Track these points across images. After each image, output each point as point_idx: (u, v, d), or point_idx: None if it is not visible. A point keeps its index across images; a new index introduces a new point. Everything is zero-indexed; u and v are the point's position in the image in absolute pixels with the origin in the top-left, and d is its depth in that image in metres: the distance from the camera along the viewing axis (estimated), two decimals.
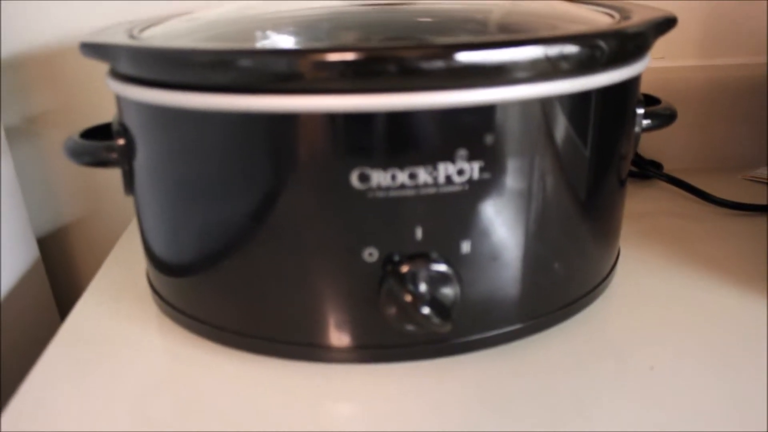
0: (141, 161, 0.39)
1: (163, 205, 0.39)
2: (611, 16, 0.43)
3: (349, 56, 0.30)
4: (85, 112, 0.65)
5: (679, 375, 0.36)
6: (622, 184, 0.43)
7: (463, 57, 0.30)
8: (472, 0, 0.47)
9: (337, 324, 0.36)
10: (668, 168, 0.65)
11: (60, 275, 0.70)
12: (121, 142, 0.39)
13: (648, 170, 0.62)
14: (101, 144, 0.40)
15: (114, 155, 0.40)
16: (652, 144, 0.66)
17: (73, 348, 0.41)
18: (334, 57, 0.30)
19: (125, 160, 0.40)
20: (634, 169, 0.64)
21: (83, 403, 0.36)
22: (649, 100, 0.46)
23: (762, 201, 0.58)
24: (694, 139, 0.67)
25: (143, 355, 0.40)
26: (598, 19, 0.42)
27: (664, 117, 0.45)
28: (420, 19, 0.41)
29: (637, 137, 0.43)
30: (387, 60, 0.30)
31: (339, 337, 0.37)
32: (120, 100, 0.39)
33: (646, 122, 0.44)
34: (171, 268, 0.41)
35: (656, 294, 0.45)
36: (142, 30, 0.42)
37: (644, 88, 0.57)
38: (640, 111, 0.43)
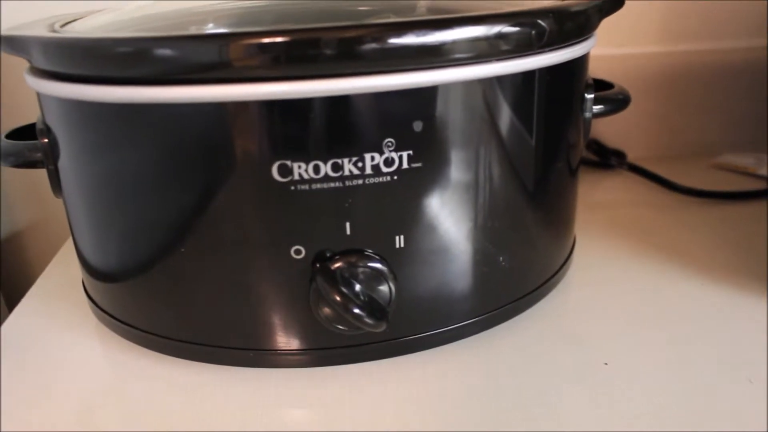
0: (65, 161, 0.37)
1: (89, 207, 0.37)
2: None
3: (270, 40, 0.28)
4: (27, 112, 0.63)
5: (633, 371, 0.35)
6: (573, 172, 0.41)
7: (397, 38, 0.29)
8: None
9: (272, 327, 0.35)
10: (632, 156, 0.63)
11: (13, 279, 0.68)
12: (44, 141, 0.37)
13: (611, 159, 0.61)
14: (25, 144, 0.38)
15: (39, 155, 0.38)
16: (615, 133, 0.64)
17: (7, 357, 0.39)
18: (255, 40, 0.28)
19: (50, 159, 0.38)
20: (596, 158, 0.63)
21: (18, 411, 0.34)
22: (602, 85, 0.45)
23: (726, 188, 0.56)
24: (658, 126, 0.66)
25: (80, 365, 0.38)
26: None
27: (616, 102, 0.44)
28: (354, 7, 0.39)
29: (588, 123, 0.42)
30: (311, 42, 0.28)
31: (276, 341, 0.35)
32: (41, 98, 0.37)
33: (597, 107, 0.42)
34: (101, 273, 0.39)
35: (614, 286, 0.43)
36: (65, 24, 0.40)
37: (605, 76, 0.56)
38: (590, 96, 0.41)
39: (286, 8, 0.39)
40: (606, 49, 0.60)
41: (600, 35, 0.41)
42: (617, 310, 0.41)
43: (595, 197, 0.58)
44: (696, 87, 0.65)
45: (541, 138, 0.37)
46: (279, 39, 0.28)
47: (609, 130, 0.64)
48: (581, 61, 0.38)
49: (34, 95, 0.37)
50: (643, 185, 0.60)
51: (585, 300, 0.42)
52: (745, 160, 0.62)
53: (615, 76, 0.59)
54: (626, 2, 0.55)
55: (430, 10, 0.37)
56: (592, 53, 0.41)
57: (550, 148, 0.38)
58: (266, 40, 0.28)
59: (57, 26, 0.39)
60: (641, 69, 0.64)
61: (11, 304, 0.65)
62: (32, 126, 0.41)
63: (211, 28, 0.37)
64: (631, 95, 0.44)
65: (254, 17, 0.38)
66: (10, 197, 0.66)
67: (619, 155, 0.62)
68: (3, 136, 0.40)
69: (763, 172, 0.60)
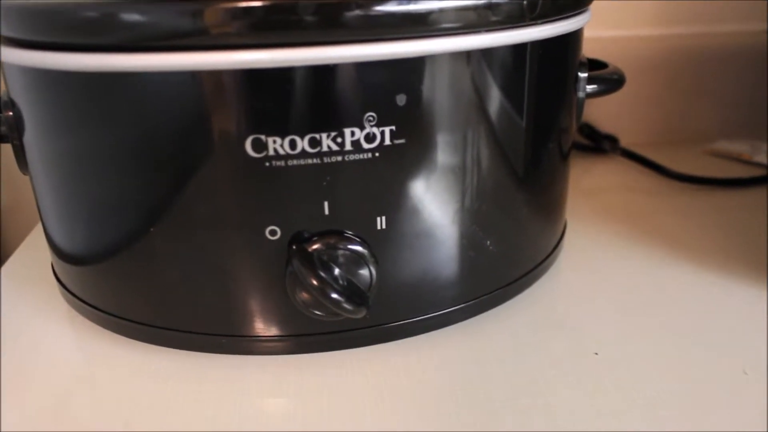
0: (30, 135, 0.35)
1: (55, 184, 0.35)
2: None
3: (246, 4, 0.26)
4: None
5: (624, 360, 0.34)
6: (564, 153, 0.40)
7: (381, 4, 0.27)
8: None
9: (247, 312, 0.33)
10: (625, 142, 0.62)
11: None
12: (8, 113, 0.35)
13: (604, 144, 0.59)
14: None
15: (3, 128, 0.36)
16: (608, 117, 0.62)
17: None
18: (227, 4, 0.26)
19: (15, 134, 0.36)
20: (588, 143, 0.61)
21: None
22: (595, 65, 0.43)
23: (721, 174, 0.55)
24: (651, 111, 0.65)
25: (51, 352, 0.36)
26: None
27: (610, 82, 0.42)
28: None
29: (581, 103, 0.40)
30: (289, 8, 0.26)
31: (251, 326, 0.33)
32: (4, 67, 0.35)
33: (591, 87, 0.40)
34: (70, 255, 0.37)
35: (606, 272, 0.42)
36: None
37: (600, 58, 0.54)
38: (583, 75, 0.39)
39: None
40: (600, 30, 0.58)
41: (594, 17, 0.39)
42: (608, 297, 0.39)
43: (588, 182, 0.56)
44: (691, 71, 0.63)
45: (532, 116, 0.35)
46: (255, 3, 0.26)
47: (602, 114, 0.62)
48: (575, 37, 0.36)
49: None
50: (635, 171, 0.58)
51: (575, 286, 0.40)
52: (740, 147, 0.61)
53: (608, 58, 0.57)
54: None
55: None
56: (586, 34, 0.39)
57: (542, 127, 0.36)
58: (242, 5, 0.26)
59: None
60: (635, 52, 0.62)
61: None
62: None
63: None
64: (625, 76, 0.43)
65: None
66: None
67: (612, 140, 0.60)
68: None
69: (758, 158, 0.59)
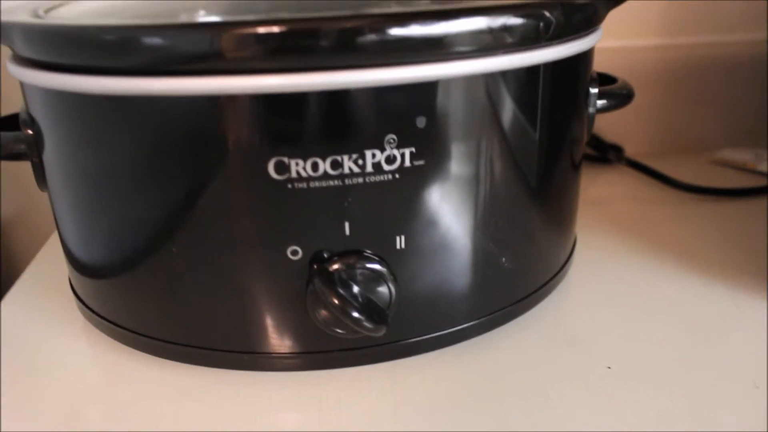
0: (50, 153, 0.35)
1: (75, 201, 0.35)
2: None
3: (265, 29, 0.26)
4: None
5: (635, 373, 0.34)
6: (576, 169, 0.40)
7: (399, 29, 0.27)
8: None
9: (267, 329, 0.33)
10: (630, 151, 0.62)
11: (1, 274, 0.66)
12: (28, 132, 0.36)
13: (609, 154, 0.60)
14: (9, 135, 0.37)
15: (22, 147, 0.36)
16: (614, 127, 0.63)
17: None
18: (251, 30, 0.27)
19: (34, 151, 0.36)
20: (594, 153, 0.62)
21: (5, 412, 0.33)
22: (605, 80, 0.43)
23: (725, 184, 0.55)
24: (656, 121, 0.65)
25: (67, 366, 0.37)
26: None
27: (620, 97, 0.42)
28: None
29: (592, 118, 0.41)
30: (309, 33, 0.27)
31: (271, 343, 0.34)
32: (24, 87, 0.35)
33: (601, 102, 0.41)
34: (88, 270, 0.37)
35: (615, 285, 0.43)
36: (50, 9, 0.38)
37: (604, 69, 0.55)
38: (594, 90, 0.40)
39: None
40: (605, 41, 0.59)
41: None
42: (618, 310, 0.40)
43: (594, 192, 0.57)
44: (695, 80, 0.64)
45: (545, 134, 0.36)
46: (275, 29, 0.27)
47: (607, 123, 0.63)
48: (587, 55, 0.37)
49: (17, 83, 0.36)
50: (641, 180, 0.59)
51: (586, 300, 0.41)
52: (744, 156, 0.62)
53: (614, 69, 0.58)
54: None
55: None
56: None
57: (554, 144, 0.37)
58: (261, 30, 0.27)
59: (41, 11, 0.37)
60: (641, 62, 0.63)
61: None
62: (15, 116, 0.39)
63: (203, 16, 0.35)
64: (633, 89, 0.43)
65: (248, 4, 0.37)
66: None
67: (617, 150, 0.61)
68: None
69: (762, 167, 0.60)
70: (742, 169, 0.61)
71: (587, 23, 0.35)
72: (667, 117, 0.65)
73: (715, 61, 0.64)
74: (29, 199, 0.66)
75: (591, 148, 0.62)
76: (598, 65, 0.45)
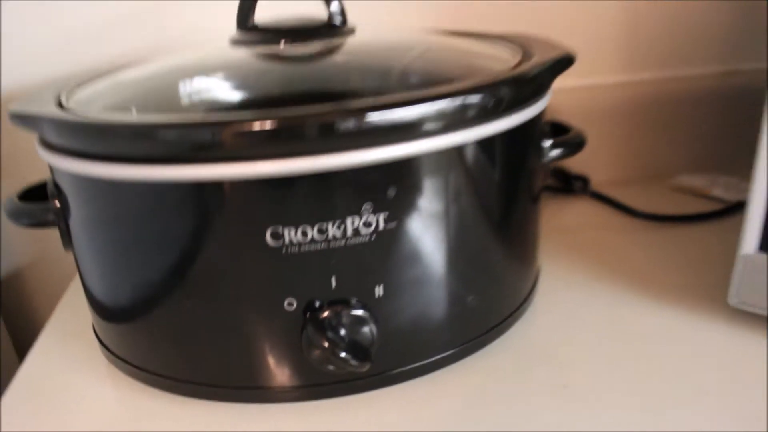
0: (75, 221, 0.41)
1: (98, 263, 0.41)
2: (514, 53, 0.46)
3: (266, 125, 0.32)
4: (29, 159, 0.66)
5: (593, 391, 0.39)
6: (534, 210, 0.46)
7: (375, 117, 0.33)
8: (385, 37, 0.50)
9: (269, 367, 0.39)
10: (596, 179, 0.68)
11: (17, 317, 0.71)
12: (56, 204, 0.41)
13: (574, 185, 0.65)
14: (38, 206, 0.42)
15: (50, 216, 0.42)
16: (580, 158, 0.68)
17: (26, 400, 0.43)
18: (249, 127, 0.32)
19: (61, 220, 0.42)
20: (559, 185, 0.67)
21: None
22: (559, 129, 0.49)
23: (682, 210, 0.61)
24: (620, 151, 0.71)
25: (93, 407, 0.42)
26: (503, 57, 0.44)
27: (573, 145, 0.48)
28: (336, 70, 0.43)
29: (547, 165, 0.46)
30: (303, 126, 0.32)
31: (273, 379, 0.39)
32: (51, 165, 0.41)
33: (554, 152, 0.46)
34: (111, 320, 0.43)
35: (577, 310, 0.48)
36: (71, 92, 0.44)
37: (569, 106, 0.61)
38: (547, 143, 0.45)
39: (268, 75, 0.43)
40: (568, 80, 0.65)
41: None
42: (579, 335, 0.45)
43: (560, 222, 0.62)
44: (655, 113, 0.70)
45: (504, 188, 0.41)
46: (268, 124, 0.32)
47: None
48: (538, 117, 0.43)
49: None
50: (604, 210, 0.64)
51: (549, 327, 0.46)
52: (699, 182, 0.67)
53: (578, 106, 0.64)
54: (585, 35, 0.60)
55: (402, 76, 0.42)
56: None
57: (512, 196, 0.43)
58: (257, 126, 0.32)
59: (64, 97, 0.43)
60: (603, 97, 0.69)
61: (16, 340, 0.68)
62: (42, 186, 0.44)
63: (204, 91, 0.41)
64: (594, 126, 0.48)
65: (241, 80, 0.43)
66: (10, 236, 0.69)
67: (583, 180, 0.67)
68: (16, 196, 0.44)
69: (716, 192, 0.65)
70: (698, 194, 0.66)
71: (536, 93, 0.41)
72: (629, 147, 0.71)
73: (672, 95, 0.70)
74: (45, 244, 0.71)
75: (557, 179, 0.68)
76: (563, 103, 0.51)
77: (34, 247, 0.70)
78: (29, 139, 0.62)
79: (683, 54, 0.70)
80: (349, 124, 0.33)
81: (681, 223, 0.60)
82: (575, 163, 0.69)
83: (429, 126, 0.35)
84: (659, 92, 0.69)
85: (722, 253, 0.52)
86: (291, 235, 0.35)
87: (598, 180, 0.69)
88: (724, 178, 0.67)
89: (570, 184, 0.66)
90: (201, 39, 0.62)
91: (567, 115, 0.67)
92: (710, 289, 0.49)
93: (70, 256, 0.45)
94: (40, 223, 0.42)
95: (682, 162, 0.72)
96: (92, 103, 0.41)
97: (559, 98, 0.63)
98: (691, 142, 0.72)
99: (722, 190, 0.65)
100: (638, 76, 0.70)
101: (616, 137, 0.70)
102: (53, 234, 0.69)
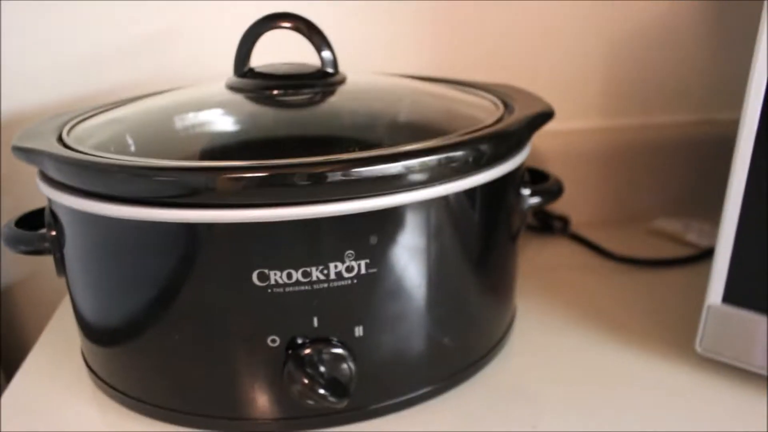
0: (69, 252, 0.43)
1: (89, 293, 0.43)
2: (496, 104, 0.48)
3: (257, 174, 0.34)
4: (29, 181, 0.67)
5: (561, 429, 0.41)
6: (512, 259, 0.48)
7: (361, 170, 0.35)
8: (374, 86, 0.52)
9: (252, 399, 0.41)
10: (576, 220, 0.70)
11: (7, 335, 0.72)
12: (52, 233, 0.43)
13: (553, 225, 0.68)
14: (35, 234, 0.44)
15: (46, 244, 0.43)
16: (561, 198, 0.71)
17: (10, 421, 0.44)
18: (239, 174, 0.34)
19: (56, 248, 0.43)
20: (539, 225, 0.70)
21: None
22: (537, 176, 0.51)
23: (657, 254, 0.64)
24: (599, 193, 0.73)
25: (79, 429, 0.43)
26: (485, 108, 0.47)
27: (551, 193, 0.50)
28: (326, 119, 0.46)
29: (525, 213, 0.49)
30: (293, 176, 0.34)
31: (255, 410, 0.41)
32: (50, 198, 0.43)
33: (533, 200, 0.49)
34: (100, 346, 0.44)
35: (550, 351, 0.50)
36: (72, 127, 0.46)
37: (550, 149, 0.63)
38: (526, 192, 0.48)
39: (261, 121, 0.45)
40: (550, 124, 0.67)
41: None
42: (551, 375, 0.47)
43: (539, 261, 0.64)
44: (633, 157, 0.72)
45: (482, 235, 0.43)
46: (260, 173, 0.34)
47: None
48: (517, 169, 0.45)
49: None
50: (582, 251, 0.67)
51: (524, 366, 0.48)
52: (674, 226, 0.70)
53: (557, 149, 0.66)
54: (565, 81, 0.63)
55: (390, 127, 0.44)
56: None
57: (491, 242, 0.45)
58: (248, 174, 0.34)
59: (65, 133, 0.44)
60: (583, 141, 0.71)
61: (5, 360, 0.69)
62: (38, 212, 0.46)
63: (199, 142, 0.43)
64: (574, 168, 0.50)
65: (240, 130, 0.45)
66: (3, 251, 0.70)
67: (564, 221, 0.69)
68: (12, 222, 0.46)
69: (690, 237, 0.68)
70: (673, 239, 0.69)
71: (516, 146, 0.43)
72: (608, 190, 0.73)
73: (650, 141, 0.72)
74: (36, 263, 0.72)
75: (537, 220, 0.70)
76: (544, 146, 0.53)
77: (27, 265, 0.71)
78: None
79: (662, 102, 0.73)
80: (337, 175, 0.35)
81: (655, 268, 0.63)
82: (556, 204, 0.71)
83: (413, 178, 0.37)
84: (638, 138, 0.72)
85: (692, 300, 0.54)
86: (277, 277, 0.37)
87: (578, 220, 0.71)
88: (698, 223, 0.69)
89: (550, 224, 0.68)
90: (200, 72, 0.64)
91: (547, 158, 0.70)
92: (680, 335, 0.51)
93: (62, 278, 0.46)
94: (36, 251, 0.44)
95: (659, 206, 0.74)
96: (91, 140, 0.43)
97: (540, 141, 0.65)
98: (668, 187, 0.74)
99: (696, 236, 0.67)
100: (618, 122, 0.73)
101: (595, 180, 0.73)
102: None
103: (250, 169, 0.34)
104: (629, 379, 0.46)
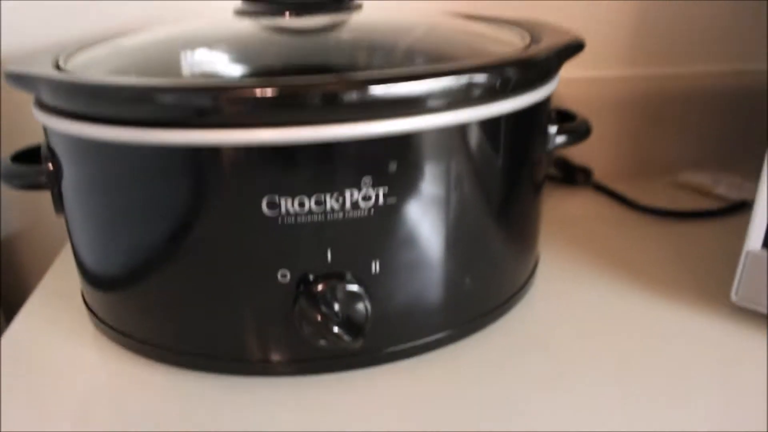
0: (67, 185, 0.40)
1: (89, 228, 0.40)
2: (522, 37, 0.45)
3: (267, 92, 0.31)
4: (20, 126, 0.65)
5: (585, 381, 0.39)
6: (537, 197, 0.45)
7: (379, 90, 0.32)
8: (392, 16, 0.49)
9: (259, 340, 0.38)
10: (598, 173, 0.67)
11: (9, 282, 0.71)
12: (49, 166, 0.40)
13: (576, 177, 0.65)
14: (31, 168, 0.41)
15: (43, 179, 0.41)
16: (583, 150, 0.68)
17: (8, 364, 0.42)
18: (248, 92, 0.31)
19: (54, 183, 0.41)
20: (562, 175, 0.67)
21: (17, 420, 0.37)
22: (565, 116, 0.48)
23: (684, 206, 0.61)
24: (623, 145, 0.70)
25: (78, 371, 0.41)
26: (510, 41, 0.44)
27: (578, 133, 0.47)
28: (340, 44, 0.43)
29: (551, 152, 0.46)
30: (304, 94, 0.32)
31: (263, 352, 0.39)
32: (46, 128, 0.40)
33: (559, 139, 0.46)
34: (100, 286, 0.42)
35: (573, 300, 0.47)
36: (70, 56, 0.43)
37: (573, 98, 0.60)
38: (553, 129, 0.45)
39: (271, 47, 0.43)
40: (574, 72, 0.64)
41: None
42: (574, 324, 0.45)
43: (560, 213, 0.62)
44: (660, 108, 0.69)
45: (507, 171, 0.41)
46: (270, 91, 0.31)
47: (577, 147, 0.68)
48: (544, 102, 0.42)
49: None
50: (606, 202, 0.64)
51: (546, 314, 0.46)
52: (703, 179, 0.67)
53: (583, 98, 0.63)
54: (595, 27, 0.60)
55: (409, 53, 0.41)
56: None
57: (515, 179, 0.42)
58: (258, 92, 0.31)
59: (62, 60, 0.42)
60: (608, 91, 0.68)
61: (7, 307, 0.67)
62: (36, 149, 0.44)
63: (206, 63, 0.40)
64: (599, 118, 0.47)
65: (242, 51, 0.42)
66: (4, 203, 0.68)
67: (586, 172, 0.66)
68: (8, 158, 0.43)
69: (719, 191, 0.65)
70: (701, 192, 0.66)
71: (542, 77, 0.40)
72: (633, 141, 0.70)
73: (677, 90, 0.69)
74: (38, 210, 0.70)
75: (560, 171, 0.67)
76: (568, 95, 0.50)
77: (28, 212, 0.69)
78: (27, 104, 0.61)
79: (691, 51, 0.70)
80: (353, 95, 0.32)
81: (683, 219, 0.60)
82: (578, 155, 0.68)
83: (434, 102, 0.34)
84: (666, 88, 0.69)
85: (725, 251, 0.52)
86: (288, 205, 0.34)
87: (600, 173, 0.68)
88: (727, 176, 0.66)
89: (572, 175, 0.65)
90: (205, 9, 0.61)
91: (571, 106, 0.66)
92: (711, 286, 0.49)
93: (62, 223, 0.44)
94: (32, 186, 0.42)
95: (685, 159, 0.71)
96: (90, 67, 0.41)
97: (564, 88, 0.62)
98: (695, 140, 0.71)
99: (726, 189, 0.64)
100: (645, 71, 0.69)
101: (620, 131, 0.69)
102: (47, 200, 0.68)
103: (260, 85, 0.31)
104: (659, 331, 0.44)
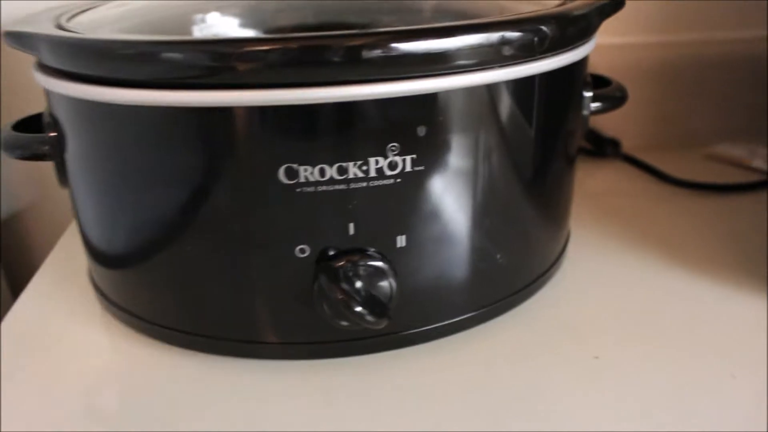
0: (72, 154, 0.38)
1: (95, 201, 0.38)
2: None
3: (280, 46, 0.29)
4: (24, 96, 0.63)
5: (622, 364, 0.36)
6: (570, 168, 0.42)
7: (404, 45, 0.29)
8: None
9: (275, 320, 0.36)
10: (628, 145, 0.64)
11: (15, 259, 0.69)
12: (51, 134, 0.38)
13: (606, 148, 0.62)
14: (33, 137, 0.39)
15: (46, 148, 0.39)
16: (612, 121, 0.64)
17: (13, 343, 0.40)
18: (263, 47, 0.29)
19: (57, 152, 0.39)
20: (591, 147, 0.64)
21: (26, 399, 0.35)
22: (600, 82, 0.45)
23: (719, 179, 0.57)
24: (654, 115, 0.67)
25: (84, 352, 0.39)
26: (545, 3, 0.40)
27: (614, 99, 0.44)
28: (362, 4, 0.40)
29: (586, 120, 0.43)
30: (321, 49, 0.29)
31: (278, 333, 0.36)
32: (48, 92, 0.38)
33: (594, 105, 0.43)
34: (107, 263, 0.40)
35: (606, 277, 0.45)
36: (73, 16, 0.40)
37: (602, 65, 0.57)
38: (588, 94, 0.42)
39: (289, 6, 0.40)
40: (604, 38, 0.60)
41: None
42: (608, 303, 0.42)
43: (590, 186, 0.59)
44: (692, 77, 0.65)
45: (540, 137, 0.38)
46: (286, 46, 0.29)
47: (605, 118, 0.64)
48: (581, 63, 0.39)
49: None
50: (636, 175, 0.61)
51: (578, 293, 0.43)
52: (739, 152, 0.63)
53: (612, 66, 0.59)
54: None
55: (436, 12, 0.38)
56: None
57: (549, 146, 0.39)
58: (273, 47, 0.29)
59: (64, 20, 0.39)
60: (638, 58, 0.64)
61: (13, 284, 0.66)
62: (38, 117, 0.41)
63: (217, 26, 0.37)
64: (628, 88, 0.45)
65: (257, 13, 0.39)
66: (10, 178, 0.66)
67: (615, 144, 0.63)
68: (10, 127, 0.41)
69: (756, 164, 0.61)
70: (737, 164, 0.62)
71: (581, 35, 0.37)
72: (664, 112, 0.67)
73: (712, 58, 0.65)
74: (44, 188, 0.68)
75: (589, 142, 0.64)
76: (597, 62, 0.47)
77: (34, 187, 0.67)
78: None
79: (727, 15, 0.66)
80: (377, 51, 0.29)
81: (718, 193, 0.56)
82: (607, 125, 0.65)
83: (464, 60, 0.31)
84: (699, 55, 0.65)
85: (761, 226, 0.49)
86: (307, 173, 0.31)
87: (630, 145, 0.64)
88: (764, 149, 0.63)
89: (602, 147, 0.62)
90: None
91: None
92: (748, 262, 0.46)
93: (67, 199, 0.41)
94: (35, 156, 0.39)
95: (719, 130, 0.67)
96: (94, 28, 0.38)
97: (594, 55, 0.59)
98: (729, 111, 0.67)
99: (763, 162, 0.61)
100: (678, 37, 0.66)
101: (651, 100, 0.66)
102: (52, 175, 0.66)
103: (276, 41, 0.28)
104: (699, 312, 0.41)
